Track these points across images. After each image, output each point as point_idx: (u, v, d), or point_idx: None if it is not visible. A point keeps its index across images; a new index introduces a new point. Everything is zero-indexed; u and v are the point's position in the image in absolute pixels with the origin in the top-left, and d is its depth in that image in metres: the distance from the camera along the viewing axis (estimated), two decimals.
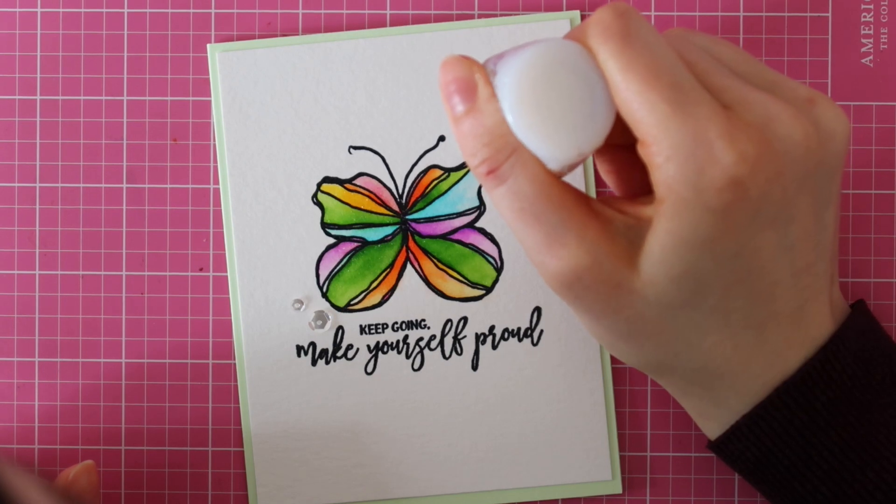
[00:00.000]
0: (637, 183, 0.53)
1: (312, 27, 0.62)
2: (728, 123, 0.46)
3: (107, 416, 0.62)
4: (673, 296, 0.48)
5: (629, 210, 0.49)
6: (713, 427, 0.53)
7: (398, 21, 0.62)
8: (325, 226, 0.61)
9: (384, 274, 0.61)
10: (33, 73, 0.62)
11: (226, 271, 0.61)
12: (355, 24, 0.62)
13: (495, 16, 0.61)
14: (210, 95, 0.62)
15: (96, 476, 0.58)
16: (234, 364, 0.61)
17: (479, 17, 0.62)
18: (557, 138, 0.47)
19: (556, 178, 0.48)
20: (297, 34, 0.62)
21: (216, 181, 0.62)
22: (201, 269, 0.62)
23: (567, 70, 0.47)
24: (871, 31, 0.62)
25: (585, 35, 0.48)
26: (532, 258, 0.49)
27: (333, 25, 0.62)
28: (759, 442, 0.51)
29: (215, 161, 0.62)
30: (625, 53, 0.46)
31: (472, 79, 0.48)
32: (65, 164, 0.62)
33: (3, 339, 0.62)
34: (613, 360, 0.61)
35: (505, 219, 0.49)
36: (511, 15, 0.61)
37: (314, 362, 0.61)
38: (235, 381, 0.61)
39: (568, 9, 0.61)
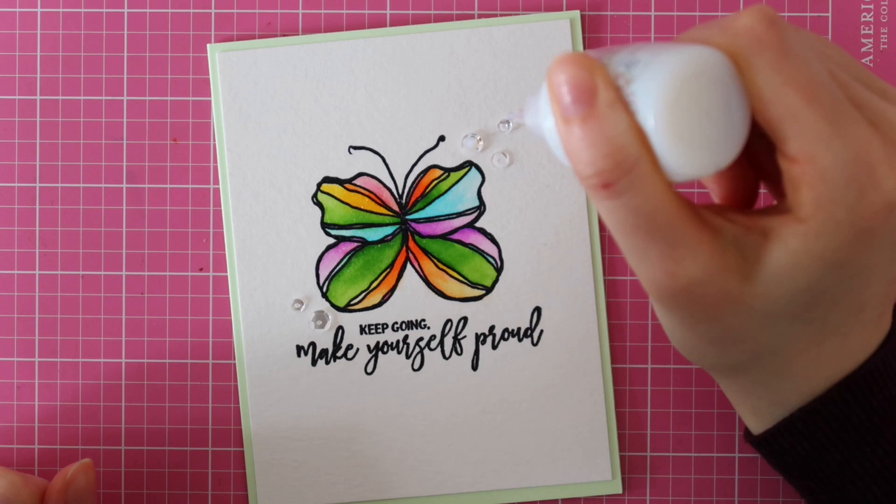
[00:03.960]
0: (743, 192, 0.52)
1: (312, 27, 0.62)
2: (886, 147, 0.45)
3: (107, 416, 0.62)
4: (784, 308, 0.47)
5: (740, 220, 0.47)
6: (763, 423, 0.52)
7: (398, 21, 0.62)
8: (325, 226, 0.61)
9: (384, 274, 0.61)
10: (33, 73, 0.62)
11: (226, 271, 0.61)
12: (355, 24, 0.62)
13: (495, 16, 0.61)
14: (210, 95, 0.62)
15: (94, 474, 0.58)
16: (234, 364, 0.61)
17: (479, 17, 0.62)
18: (699, 152, 0.44)
19: (673, 192, 0.45)
20: (297, 34, 0.62)
21: (216, 181, 0.62)
22: (201, 269, 0.62)
23: (711, 80, 0.44)
24: (871, 31, 0.62)
25: (734, 43, 0.45)
26: (638, 270, 0.47)
27: (333, 25, 0.62)
28: (812, 437, 0.50)
29: (215, 161, 0.62)
30: (783, 68, 0.44)
31: (593, 81, 0.44)
32: (65, 164, 0.62)
33: (3, 339, 0.62)
34: (613, 360, 0.61)
35: (611, 230, 0.46)
36: (511, 15, 0.61)
37: (314, 362, 0.61)
38: (235, 381, 0.61)
39: (568, 9, 0.61)
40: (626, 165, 0.44)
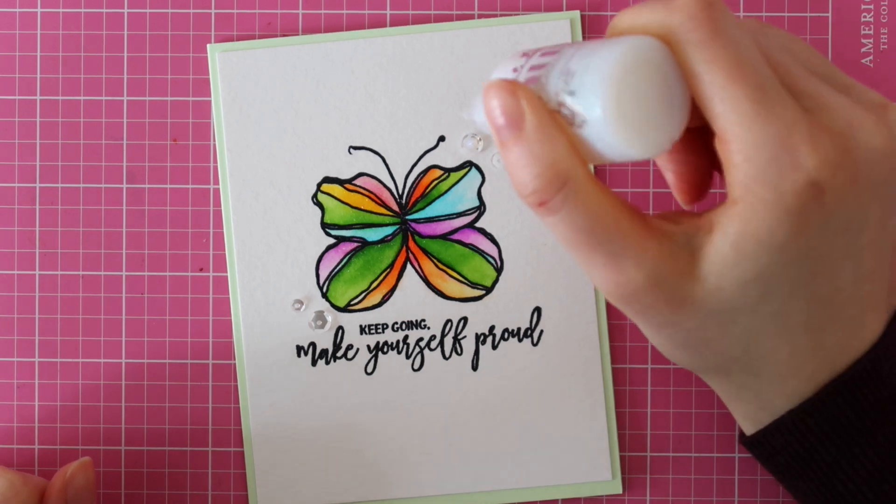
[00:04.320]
0: (695, 178, 0.52)
1: (312, 27, 0.62)
2: (812, 128, 0.46)
3: (107, 416, 0.62)
4: (737, 301, 0.47)
5: (691, 221, 0.48)
6: (754, 426, 0.52)
7: (398, 21, 0.62)
8: (325, 226, 0.61)
9: (384, 274, 0.61)
10: (33, 73, 0.62)
11: (226, 271, 0.61)
12: (355, 24, 0.62)
13: (495, 16, 0.61)
14: (210, 95, 0.62)
15: (93, 472, 0.58)
16: (234, 364, 0.61)
17: (479, 17, 0.62)
18: (646, 136, 0.45)
19: (612, 203, 0.47)
20: (297, 34, 0.62)
21: (216, 181, 0.62)
22: (201, 269, 0.62)
23: (647, 69, 0.45)
24: (871, 31, 0.62)
25: (667, 21, 0.46)
26: (590, 278, 0.48)
27: (333, 25, 0.62)
28: (802, 438, 0.50)
29: (215, 161, 0.62)
30: (711, 46, 0.45)
31: (519, 105, 0.46)
32: (65, 164, 0.62)
33: (3, 339, 0.62)
34: (613, 360, 0.61)
35: (560, 243, 0.48)
36: (511, 15, 0.61)
37: (314, 362, 0.61)
38: (235, 381, 0.61)
39: (568, 9, 0.61)
40: (557, 183, 0.46)
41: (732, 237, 0.46)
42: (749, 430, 0.53)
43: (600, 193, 0.46)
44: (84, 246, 0.62)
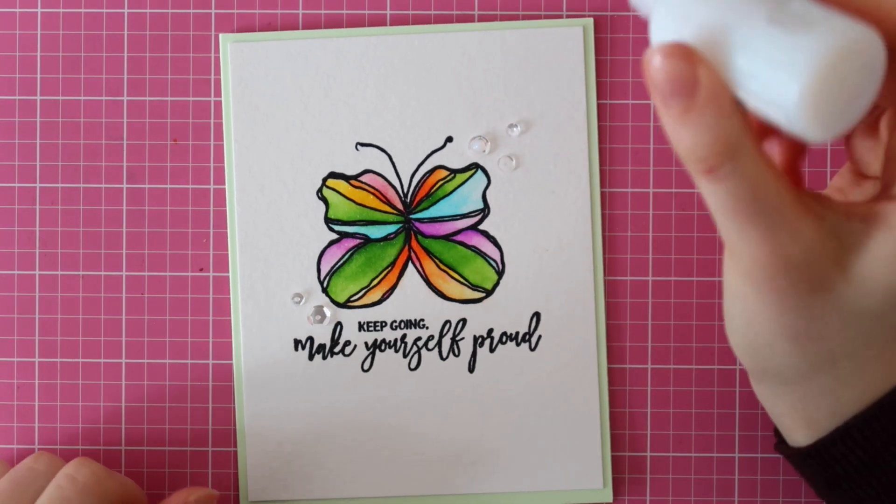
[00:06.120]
0: (794, 154, 0.51)
1: (313, 27, 0.62)
2: None
3: (107, 416, 0.62)
4: (872, 305, 0.46)
5: (840, 207, 0.46)
6: (814, 435, 0.51)
7: (398, 21, 0.62)
8: (329, 221, 0.61)
9: (385, 272, 0.61)
10: (33, 73, 0.62)
11: (226, 272, 0.61)
12: (356, 24, 0.62)
13: (496, 17, 0.61)
14: (210, 96, 0.61)
15: None
16: (234, 364, 0.61)
17: (479, 17, 0.62)
18: (832, 125, 0.43)
19: (776, 176, 0.44)
20: None
21: (216, 181, 0.61)
22: (201, 270, 0.62)
23: (860, 60, 0.42)
24: None
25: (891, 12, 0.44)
26: (735, 248, 0.46)
27: (334, 25, 0.62)
28: (867, 444, 0.49)
29: (215, 161, 0.61)
30: None
31: (694, 74, 0.43)
32: (65, 164, 0.62)
33: (3, 339, 0.62)
34: (613, 360, 0.61)
35: (711, 209, 0.46)
36: (524, 19, 0.61)
37: (311, 357, 0.61)
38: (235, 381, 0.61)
39: (568, 10, 0.61)
40: (729, 153, 0.43)
41: None
42: (805, 437, 0.51)
43: (766, 165, 0.44)
44: (84, 246, 0.62)
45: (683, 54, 0.43)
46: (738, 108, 0.43)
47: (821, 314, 0.46)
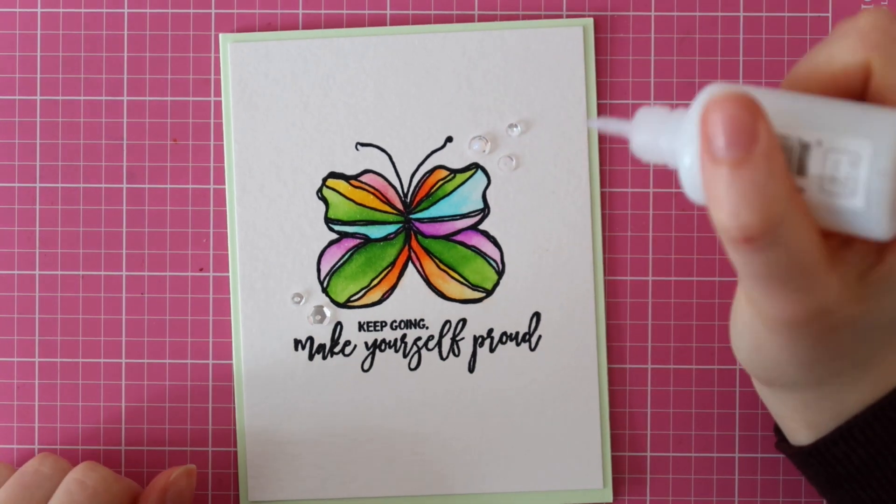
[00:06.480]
0: None
1: (313, 27, 0.62)
2: None
3: (107, 416, 0.62)
4: (886, 319, 0.45)
5: (859, 246, 0.44)
6: (815, 435, 0.51)
7: (398, 21, 0.62)
8: (329, 221, 0.61)
9: (385, 272, 0.61)
10: (33, 73, 0.62)
11: (226, 271, 0.61)
12: (355, 24, 0.62)
13: (495, 17, 0.61)
14: (210, 95, 0.61)
15: (195, 481, 0.59)
16: (234, 364, 0.61)
17: (479, 17, 0.62)
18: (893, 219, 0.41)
19: (815, 239, 0.41)
20: None
21: (216, 181, 0.61)
22: (201, 270, 0.62)
23: None
24: None
25: (863, 41, 0.42)
26: (759, 305, 0.44)
27: (334, 25, 0.62)
28: (869, 443, 0.48)
29: (215, 161, 0.61)
30: None
31: (754, 125, 0.39)
32: (65, 164, 0.62)
33: (3, 339, 0.62)
34: (613, 360, 0.61)
35: (738, 272, 0.43)
36: (524, 19, 0.61)
37: (311, 357, 0.61)
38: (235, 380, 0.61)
39: (568, 9, 0.61)
40: (774, 221, 0.40)
41: None
42: (806, 438, 0.51)
43: (809, 234, 0.41)
44: (84, 246, 0.62)
45: (744, 102, 0.40)
46: (789, 174, 0.41)
47: (836, 344, 0.45)
